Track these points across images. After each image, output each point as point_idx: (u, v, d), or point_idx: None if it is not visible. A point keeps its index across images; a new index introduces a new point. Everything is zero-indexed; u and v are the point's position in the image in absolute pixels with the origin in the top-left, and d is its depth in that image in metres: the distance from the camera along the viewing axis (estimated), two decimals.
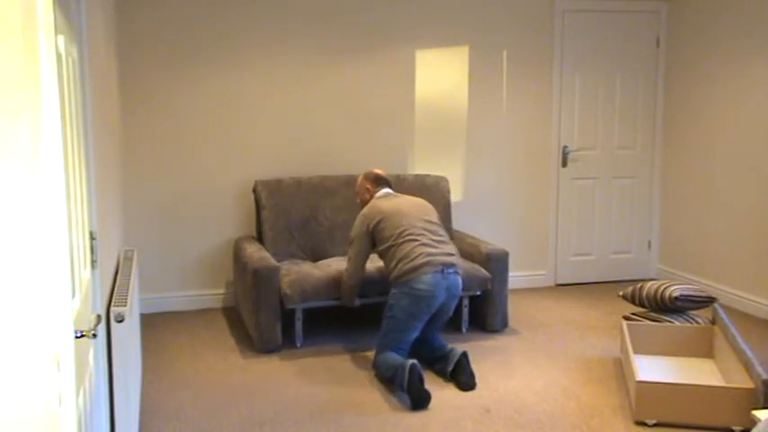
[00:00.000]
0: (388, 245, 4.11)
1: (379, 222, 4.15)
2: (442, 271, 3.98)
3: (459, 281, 4.10)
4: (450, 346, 4.17)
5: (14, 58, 1.17)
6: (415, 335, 4.07)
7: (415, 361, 3.81)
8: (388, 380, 3.95)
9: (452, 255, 4.11)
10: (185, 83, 5.23)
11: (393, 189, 4.48)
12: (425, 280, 3.95)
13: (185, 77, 5.23)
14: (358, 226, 4.24)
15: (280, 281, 4.52)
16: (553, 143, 6.01)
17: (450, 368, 4.03)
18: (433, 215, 4.27)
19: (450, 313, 4.18)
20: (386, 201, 4.27)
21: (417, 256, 3.99)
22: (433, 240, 4.09)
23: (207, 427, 3.55)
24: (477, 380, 4.06)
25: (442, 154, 5.78)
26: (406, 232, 4.07)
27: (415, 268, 3.97)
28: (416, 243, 4.03)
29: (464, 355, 4.03)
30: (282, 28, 5.35)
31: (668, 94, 6.13)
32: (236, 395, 3.91)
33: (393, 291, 4.06)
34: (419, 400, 3.71)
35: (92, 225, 2.56)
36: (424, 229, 4.11)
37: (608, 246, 6.24)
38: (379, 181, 4.43)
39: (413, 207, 4.22)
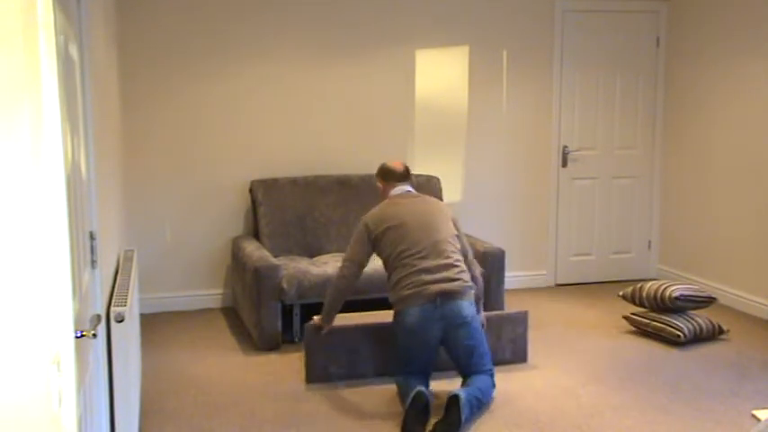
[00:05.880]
0: (385, 258, 3.82)
1: (379, 234, 3.80)
2: (435, 301, 3.60)
3: (462, 305, 3.63)
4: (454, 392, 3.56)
5: (14, 58, 1.17)
6: (426, 359, 3.73)
7: (421, 389, 3.51)
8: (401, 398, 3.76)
9: (454, 280, 3.66)
10: (184, 83, 5.23)
11: (409, 181, 4.04)
12: (412, 313, 3.62)
13: (184, 78, 5.23)
14: (358, 231, 3.89)
15: (280, 279, 4.53)
16: (553, 143, 6.01)
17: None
18: (444, 226, 3.81)
19: (471, 341, 3.68)
20: (393, 207, 3.86)
21: (407, 285, 3.65)
22: (434, 264, 3.67)
23: (207, 427, 3.55)
24: None
25: (442, 154, 5.78)
26: (405, 253, 3.71)
27: (402, 299, 3.66)
28: (412, 269, 3.67)
29: (454, 397, 3.50)
30: (281, 28, 5.35)
31: (668, 93, 6.12)
32: (236, 395, 3.91)
33: (394, 316, 3.80)
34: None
35: (92, 225, 2.56)
36: (427, 250, 3.70)
37: (608, 246, 6.23)
38: (390, 176, 4.01)
39: (421, 218, 3.79)
